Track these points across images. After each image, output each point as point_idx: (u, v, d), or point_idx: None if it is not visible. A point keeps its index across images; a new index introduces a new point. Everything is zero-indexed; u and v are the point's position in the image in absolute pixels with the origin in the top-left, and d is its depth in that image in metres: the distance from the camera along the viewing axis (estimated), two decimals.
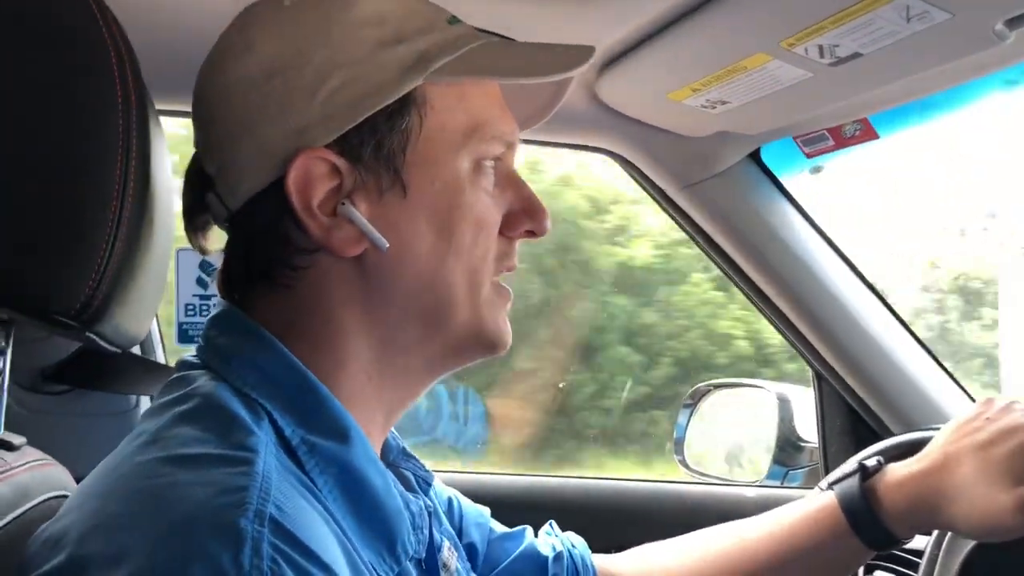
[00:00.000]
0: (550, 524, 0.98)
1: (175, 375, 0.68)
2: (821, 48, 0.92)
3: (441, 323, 0.69)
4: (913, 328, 1.44)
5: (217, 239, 0.75)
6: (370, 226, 0.65)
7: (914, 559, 1.02)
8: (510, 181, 0.72)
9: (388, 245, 0.65)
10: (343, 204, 0.65)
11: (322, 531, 0.57)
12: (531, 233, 0.73)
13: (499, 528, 0.92)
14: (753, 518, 0.94)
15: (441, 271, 0.67)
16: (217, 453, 0.57)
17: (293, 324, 0.67)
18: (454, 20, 0.71)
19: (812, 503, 0.90)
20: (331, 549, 0.56)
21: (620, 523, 1.58)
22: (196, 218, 0.73)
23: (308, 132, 0.65)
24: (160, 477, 0.55)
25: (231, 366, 0.65)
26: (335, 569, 0.54)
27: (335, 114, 0.64)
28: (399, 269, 0.67)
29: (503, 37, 0.74)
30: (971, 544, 0.96)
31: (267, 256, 0.68)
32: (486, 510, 0.93)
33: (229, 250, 0.71)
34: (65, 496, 0.84)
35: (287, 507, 0.54)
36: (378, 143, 0.65)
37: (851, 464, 0.94)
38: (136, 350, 1.53)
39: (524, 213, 0.72)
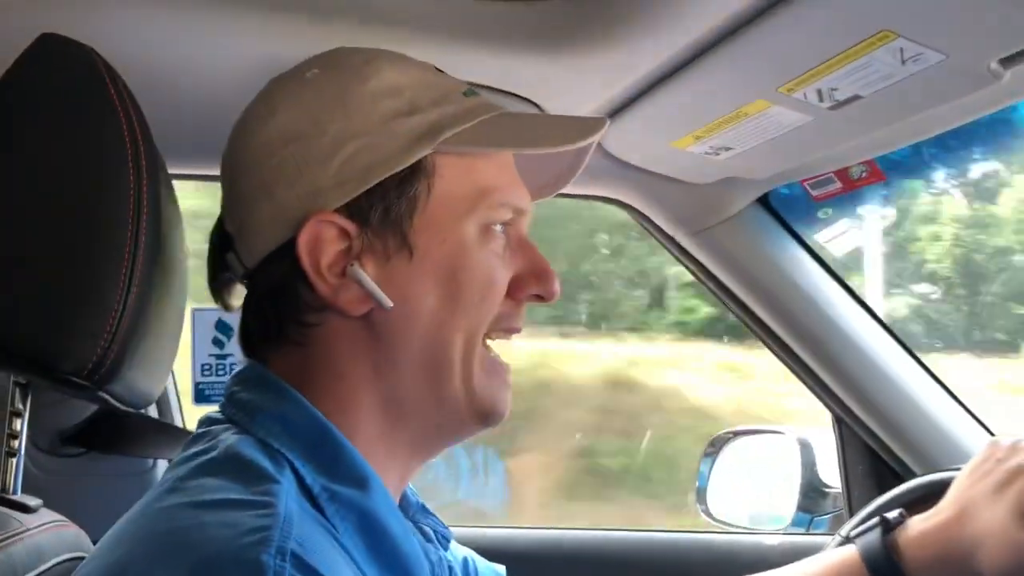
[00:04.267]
0: None
1: (199, 431, 0.70)
2: (820, 92, 0.93)
3: (440, 386, 0.70)
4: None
5: (241, 296, 0.77)
6: (376, 287, 0.68)
7: None
8: (520, 246, 0.75)
9: (392, 305, 0.68)
10: (351, 265, 0.67)
11: (343, 568, 0.58)
12: (539, 297, 0.75)
13: None
14: (774, 572, 0.92)
15: (444, 331, 0.69)
16: (240, 498, 0.59)
17: (308, 379, 0.69)
18: (470, 92, 0.74)
19: (835, 557, 0.89)
20: None
21: (647, 575, 1.56)
22: (219, 275, 0.76)
23: (321, 196, 0.68)
24: (184, 520, 0.57)
25: (254, 419, 0.67)
26: None
27: (347, 180, 0.67)
28: (404, 328, 0.69)
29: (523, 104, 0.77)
30: None
31: (279, 313, 0.70)
32: (502, 568, 0.93)
33: (245, 307, 0.74)
34: (81, 557, 0.84)
35: (308, 544, 0.56)
36: (386, 208, 0.68)
37: (872, 516, 0.93)
38: (154, 412, 1.54)
39: (533, 276, 0.74)
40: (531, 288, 0.74)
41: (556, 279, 0.75)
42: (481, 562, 0.90)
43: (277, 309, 0.70)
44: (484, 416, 0.72)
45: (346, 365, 0.69)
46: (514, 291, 0.73)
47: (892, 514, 0.88)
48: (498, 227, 0.72)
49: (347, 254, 0.68)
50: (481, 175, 0.71)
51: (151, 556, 0.55)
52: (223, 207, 0.75)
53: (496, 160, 0.73)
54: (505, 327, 0.74)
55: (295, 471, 0.64)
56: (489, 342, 0.74)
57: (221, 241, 0.74)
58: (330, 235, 0.67)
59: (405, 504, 0.79)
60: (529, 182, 0.77)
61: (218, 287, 0.76)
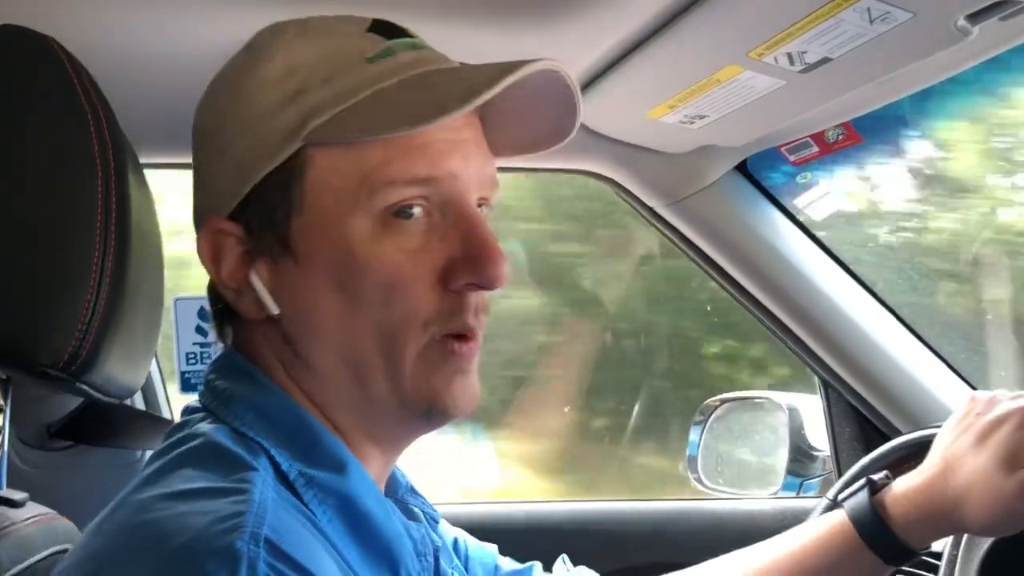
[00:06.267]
0: (563, 559, 0.98)
1: (180, 420, 0.70)
2: (790, 56, 0.93)
3: (364, 391, 0.66)
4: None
5: None
6: (264, 292, 0.65)
7: (933, 561, 1.01)
8: (458, 222, 0.64)
9: (277, 311, 0.65)
10: (251, 270, 0.66)
11: (320, 553, 0.58)
12: (476, 286, 0.64)
13: (507, 566, 0.92)
14: (766, 543, 0.93)
15: (348, 334, 0.64)
16: (214, 486, 0.58)
17: (262, 366, 0.69)
18: (386, 54, 0.65)
19: (824, 523, 0.89)
20: (329, 570, 0.57)
21: (639, 545, 1.57)
22: None
23: (216, 200, 0.67)
24: (159, 511, 0.57)
25: (229, 408, 0.66)
26: None
27: (232, 182, 0.65)
28: (308, 333, 0.66)
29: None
30: (989, 543, 0.95)
31: (214, 310, 0.71)
32: (493, 547, 0.93)
33: None
34: None
35: (282, 529, 0.55)
36: (267, 211, 0.65)
37: (856, 478, 0.94)
38: (140, 403, 1.54)
39: (465, 262, 0.64)
40: (462, 276, 0.64)
41: (496, 261, 0.63)
42: (472, 542, 0.90)
43: (216, 304, 0.71)
44: (426, 415, 0.66)
45: (271, 364, 0.68)
46: (448, 280, 0.64)
47: (878, 475, 0.88)
48: (416, 210, 0.63)
49: (249, 258, 0.66)
50: (368, 156, 0.62)
51: (126, 548, 0.55)
52: None
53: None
54: (452, 327, 0.64)
55: (271, 458, 0.63)
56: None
57: None
58: (227, 241, 0.66)
59: (394, 484, 0.79)
60: (504, 136, 0.69)
61: None
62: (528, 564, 0.93)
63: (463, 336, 0.65)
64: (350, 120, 0.63)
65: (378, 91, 0.64)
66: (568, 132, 0.71)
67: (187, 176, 0.72)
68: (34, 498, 0.88)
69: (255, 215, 0.65)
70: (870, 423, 1.51)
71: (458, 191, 0.65)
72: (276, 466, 0.63)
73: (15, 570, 0.75)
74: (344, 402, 0.67)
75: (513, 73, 0.61)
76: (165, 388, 1.60)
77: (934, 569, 1.01)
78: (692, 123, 1.14)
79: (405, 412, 0.66)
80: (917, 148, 1.62)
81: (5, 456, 0.87)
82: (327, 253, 0.63)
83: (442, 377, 0.65)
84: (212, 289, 0.71)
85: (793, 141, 1.26)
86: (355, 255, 0.63)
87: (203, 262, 0.66)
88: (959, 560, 0.98)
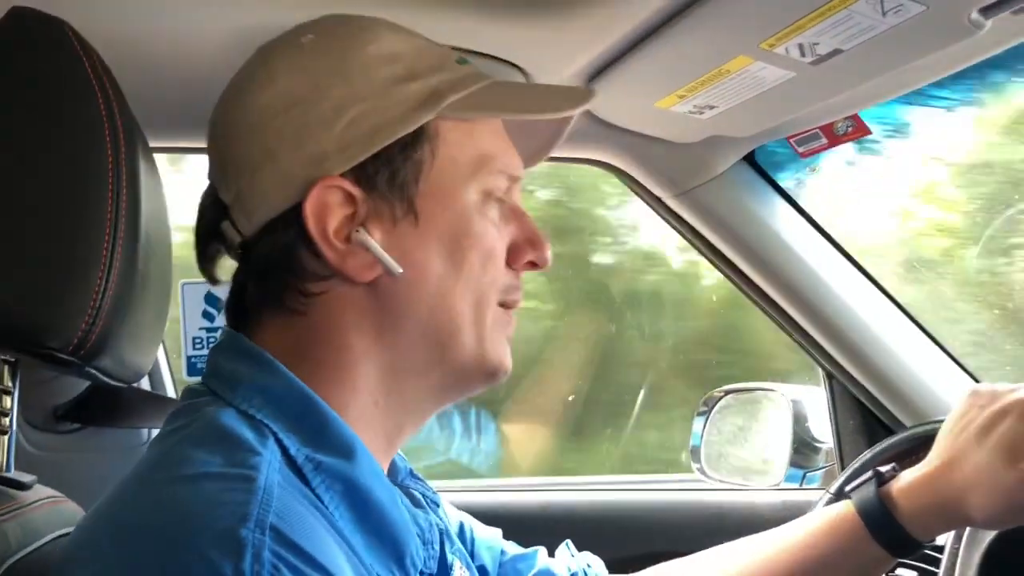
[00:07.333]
0: (567, 544, 0.99)
1: (181, 404, 0.69)
2: (801, 47, 0.92)
3: (447, 350, 0.71)
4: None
5: (226, 271, 0.76)
6: (383, 252, 0.68)
7: (935, 555, 1.01)
8: (514, 214, 0.75)
9: (401, 271, 0.68)
10: (357, 231, 0.68)
11: (325, 540, 0.58)
12: (533, 264, 0.76)
13: (512, 549, 0.93)
14: (770, 532, 0.93)
15: (450, 297, 0.70)
16: (220, 471, 0.58)
17: (301, 349, 0.69)
18: (462, 60, 0.75)
19: (830, 512, 0.89)
20: (334, 557, 0.57)
21: (641, 535, 1.57)
22: (208, 247, 0.75)
23: (325, 161, 0.67)
24: (163, 497, 0.57)
25: (236, 390, 0.66)
26: (337, 575, 0.55)
27: (351, 144, 0.67)
28: (410, 295, 0.69)
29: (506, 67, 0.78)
30: (991, 536, 0.95)
31: (280, 282, 0.69)
32: (498, 532, 0.93)
33: (240, 277, 0.73)
34: None
35: (288, 517, 0.55)
36: (392, 173, 0.68)
37: (859, 471, 0.94)
38: (146, 385, 1.54)
39: (527, 244, 0.75)
40: (526, 255, 0.75)
41: (547, 246, 0.76)
42: (478, 526, 0.91)
43: (279, 277, 0.69)
44: (493, 375, 0.73)
45: (348, 334, 0.69)
46: (511, 260, 0.74)
47: (885, 467, 0.89)
48: (496, 196, 0.73)
49: (352, 219, 0.68)
50: (481, 140, 0.72)
51: (127, 535, 0.56)
52: (215, 175, 0.73)
53: (492, 127, 0.74)
54: (506, 300, 0.75)
55: (278, 441, 0.63)
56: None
57: (214, 210, 0.73)
58: (336, 200, 0.67)
59: (394, 470, 0.79)
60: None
61: (207, 259, 0.75)
62: (532, 549, 0.93)
63: (513, 303, 0.76)
64: (488, 102, 0.73)
65: (491, 85, 0.74)
66: (551, 148, 0.83)
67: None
68: (41, 481, 0.88)
69: (379, 176, 0.68)
70: (873, 416, 1.51)
71: (516, 189, 0.76)
72: (284, 450, 0.63)
73: (23, 553, 0.76)
74: (419, 365, 0.71)
75: (592, 96, 0.77)
76: (171, 371, 1.61)
77: (936, 562, 1.01)
78: (701, 113, 1.14)
79: (477, 371, 0.73)
80: None
81: (14, 438, 0.87)
82: (445, 218, 0.70)
83: (504, 341, 0.75)
84: (252, 271, 0.71)
85: (801, 132, 1.25)
86: (470, 222, 0.71)
87: (305, 221, 0.67)
88: (960, 553, 0.98)
